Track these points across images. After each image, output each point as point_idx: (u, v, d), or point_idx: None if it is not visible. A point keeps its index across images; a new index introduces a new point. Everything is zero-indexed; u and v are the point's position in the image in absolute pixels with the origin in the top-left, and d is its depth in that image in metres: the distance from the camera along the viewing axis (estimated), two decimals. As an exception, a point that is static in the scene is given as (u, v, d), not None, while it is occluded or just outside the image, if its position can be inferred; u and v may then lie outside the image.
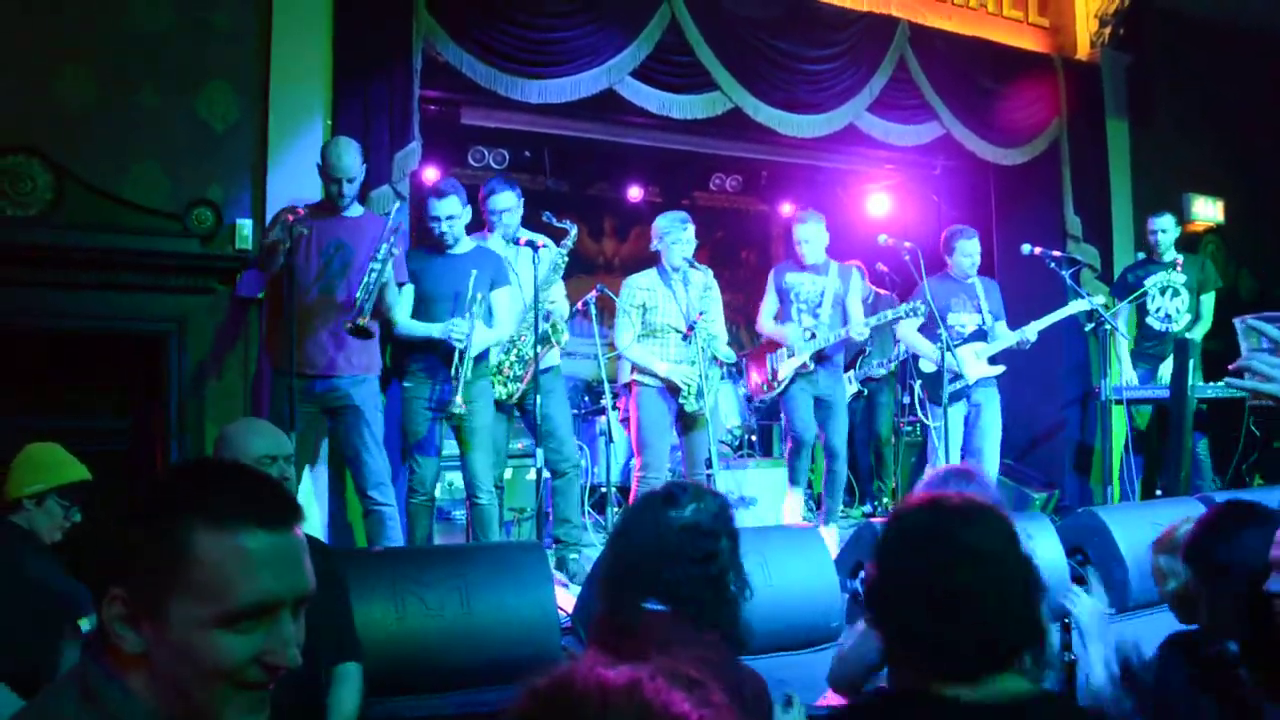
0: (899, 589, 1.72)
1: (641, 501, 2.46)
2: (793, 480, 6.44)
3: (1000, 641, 1.65)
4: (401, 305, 4.99)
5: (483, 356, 5.20)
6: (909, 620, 1.68)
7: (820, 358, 6.25)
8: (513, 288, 5.30)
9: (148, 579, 1.21)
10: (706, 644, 2.40)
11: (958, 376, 6.23)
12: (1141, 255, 7.33)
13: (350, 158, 4.76)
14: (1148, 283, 7.00)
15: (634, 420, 5.78)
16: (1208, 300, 7.10)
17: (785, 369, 6.24)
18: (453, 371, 4.93)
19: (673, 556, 2.28)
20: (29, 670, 2.88)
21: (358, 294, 4.54)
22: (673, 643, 2.33)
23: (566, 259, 5.53)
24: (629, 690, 1.03)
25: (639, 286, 5.79)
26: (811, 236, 6.29)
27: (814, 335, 6.19)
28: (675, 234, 5.74)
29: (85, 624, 3.06)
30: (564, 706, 1.02)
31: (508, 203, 5.50)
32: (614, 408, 6.01)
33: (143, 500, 1.28)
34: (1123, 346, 6.95)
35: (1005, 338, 6.44)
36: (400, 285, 4.95)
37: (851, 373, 7.42)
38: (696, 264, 5.86)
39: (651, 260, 5.92)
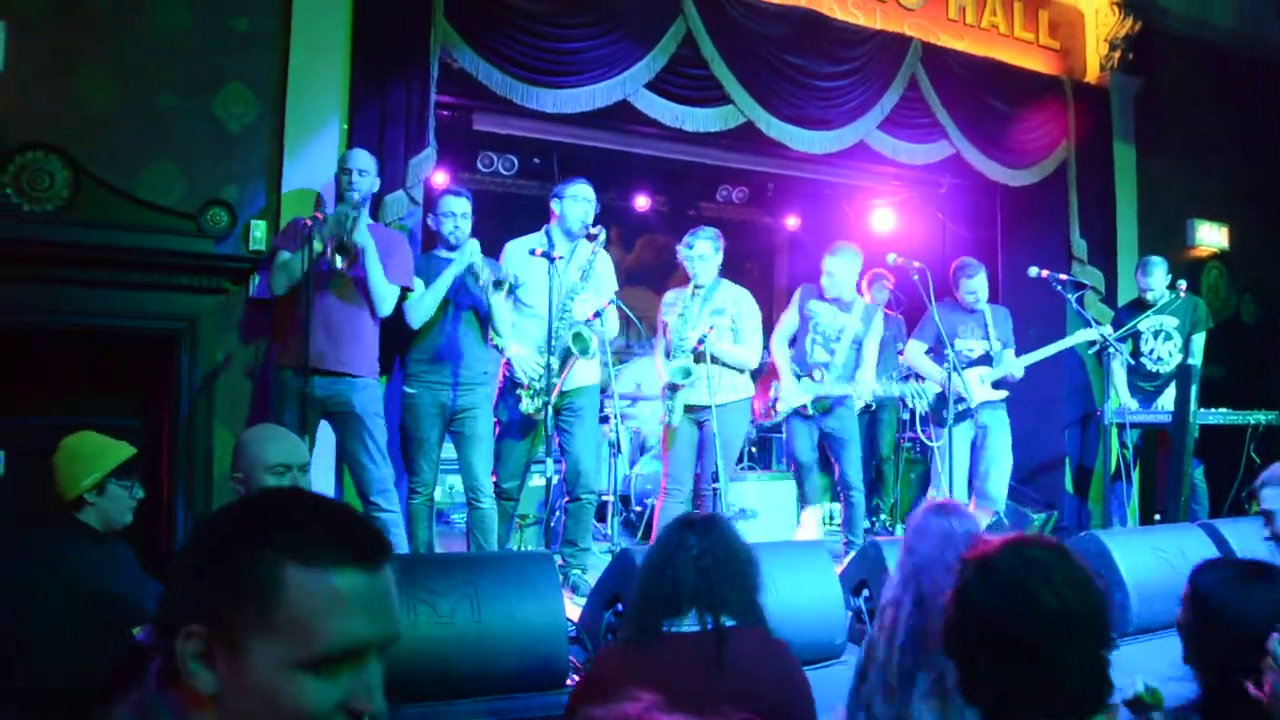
0: (979, 632, 1.73)
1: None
2: (804, 500, 6.43)
3: (1076, 695, 1.68)
4: (414, 306, 5.03)
5: (486, 369, 5.27)
6: (985, 662, 1.71)
7: (825, 408, 6.22)
8: (524, 291, 5.40)
9: (230, 617, 1.13)
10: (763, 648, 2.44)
11: (961, 398, 6.24)
12: (1138, 295, 7.33)
13: (364, 155, 4.98)
14: (1141, 325, 7.02)
15: (662, 435, 5.86)
16: (1198, 340, 7.12)
17: (784, 405, 6.23)
18: (483, 296, 5.08)
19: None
20: (91, 685, 2.83)
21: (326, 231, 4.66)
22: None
23: (597, 264, 5.53)
24: None
25: (665, 304, 5.91)
26: (837, 270, 6.26)
27: (823, 378, 6.16)
28: (682, 252, 5.82)
29: (138, 631, 3.02)
30: None
31: (592, 194, 5.58)
32: (618, 416, 6.00)
33: (226, 532, 1.19)
34: (1118, 375, 6.96)
35: (999, 367, 6.46)
36: (406, 290, 4.99)
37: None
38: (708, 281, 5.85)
39: (659, 269, 5.95)
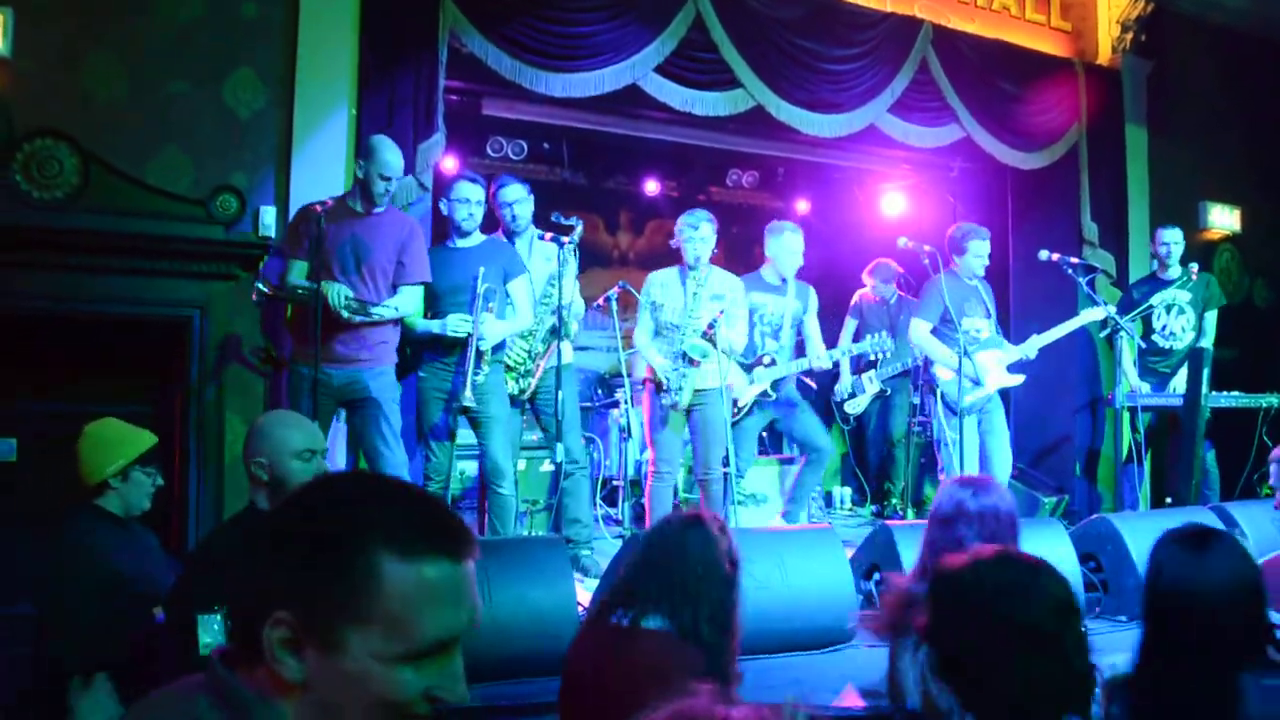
0: (967, 649, 1.77)
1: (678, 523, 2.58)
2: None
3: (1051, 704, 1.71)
4: (415, 303, 5.02)
5: (499, 347, 5.23)
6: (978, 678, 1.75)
7: (775, 385, 6.20)
8: (527, 277, 5.32)
9: (324, 607, 1.12)
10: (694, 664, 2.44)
11: (976, 383, 6.16)
12: (1149, 270, 7.32)
13: (399, 159, 4.86)
14: (1153, 299, 7.00)
15: (645, 417, 5.80)
16: (1211, 317, 7.09)
17: (746, 396, 6.14)
18: (467, 366, 4.97)
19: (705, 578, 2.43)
20: (107, 662, 2.89)
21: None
22: (671, 665, 2.38)
23: (575, 253, 5.47)
24: None
25: (656, 284, 5.80)
26: (779, 252, 6.23)
27: (774, 362, 6.13)
28: (686, 233, 5.72)
29: (158, 611, 3.07)
30: None
31: (518, 194, 5.50)
32: (628, 401, 6.00)
33: (323, 521, 1.17)
34: (1126, 357, 6.93)
35: (1015, 349, 6.40)
36: (424, 284, 4.99)
37: (873, 372, 7.42)
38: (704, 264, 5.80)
39: (669, 254, 5.90)
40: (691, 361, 5.60)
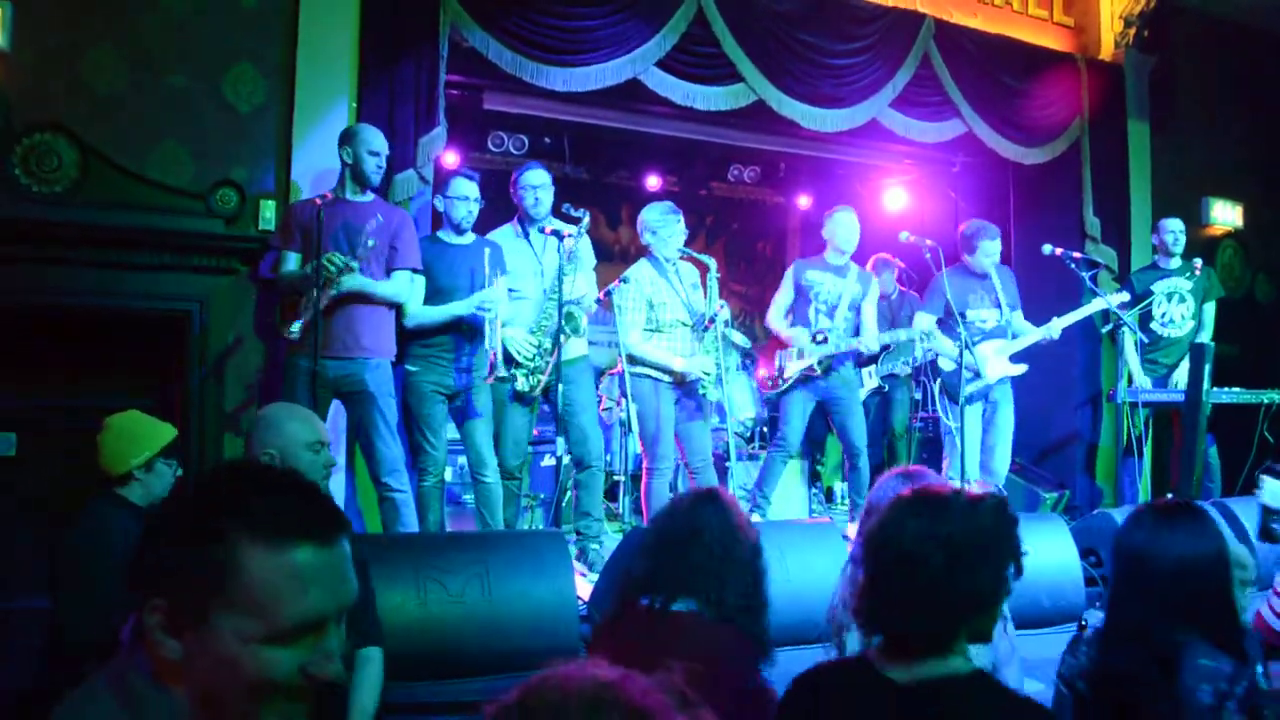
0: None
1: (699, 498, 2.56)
2: (759, 486, 6.35)
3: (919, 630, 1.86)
4: (414, 295, 5.01)
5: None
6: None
7: (827, 366, 6.19)
8: (510, 278, 5.30)
9: (191, 592, 1.19)
10: (732, 644, 2.41)
11: (977, 375, 6.19)
12: (1152, 260, 7.31)
13: (382, 137, 4.93)
14: (1155, 288, 6.99)
15: (638, 413, 5.63)
16: (1209, 309, 7.09)
17: (792, 369, 6.19)
18: (486, 343, 4.97)
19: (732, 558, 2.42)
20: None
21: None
22: (698, 644, 2.34)
23: (580, 246, 5.44)
24: (617, 685, 1.02)
25: (646, 280, 5.67)
26: (837, 232, 6.29)
27: (825, 339, 6.13)
28: (669, 227, 5.67)
29: None
30: (552, 700, 1.01)
31: (542, 179, 5.49)
32: (629, 396, 5.97)
33: (186, 511, 1.25)
34: (1131, 353, 6.91)
35: (1030, 333, 6.38)
36: (416, 272, 4.99)
37: (873, 367, 7.41)
38: (697, 254, 5.80)
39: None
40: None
